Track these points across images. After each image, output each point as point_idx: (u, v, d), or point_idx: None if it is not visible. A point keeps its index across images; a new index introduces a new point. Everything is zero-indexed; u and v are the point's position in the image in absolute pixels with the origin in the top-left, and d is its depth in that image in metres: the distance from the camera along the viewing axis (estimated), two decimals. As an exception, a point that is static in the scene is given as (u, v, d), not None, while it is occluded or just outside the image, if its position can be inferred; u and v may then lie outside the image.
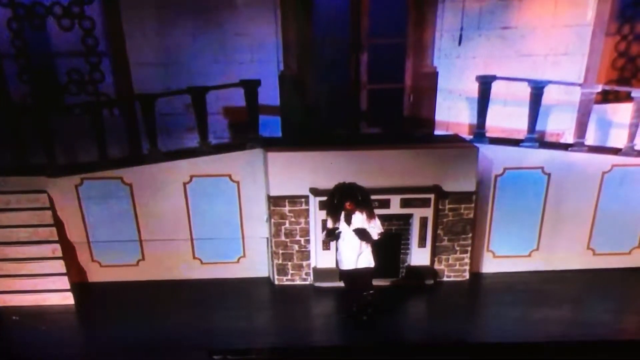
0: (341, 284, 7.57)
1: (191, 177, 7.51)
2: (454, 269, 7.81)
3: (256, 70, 7.51)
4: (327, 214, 6.67)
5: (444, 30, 7.56)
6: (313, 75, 7.92)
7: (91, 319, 7.23)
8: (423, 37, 7.69)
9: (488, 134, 7.63)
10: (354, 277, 6.66)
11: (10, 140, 7.73)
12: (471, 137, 7.71)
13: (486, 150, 7.44)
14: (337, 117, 8.14)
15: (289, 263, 7.75)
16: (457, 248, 7.71)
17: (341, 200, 6.39)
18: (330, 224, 6.58)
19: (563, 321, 7.00)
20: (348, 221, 6.44)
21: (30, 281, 7.34)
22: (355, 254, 6.50)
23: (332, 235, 6.54)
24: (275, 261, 7.74)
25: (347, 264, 6.59)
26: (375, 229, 6.47)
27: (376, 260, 6.63)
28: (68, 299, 7.36)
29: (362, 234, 6.42)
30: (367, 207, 6.49)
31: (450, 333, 6.68)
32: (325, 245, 7.49)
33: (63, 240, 7.56)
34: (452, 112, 7.97)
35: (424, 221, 7.42)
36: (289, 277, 7.81)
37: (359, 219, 6.43)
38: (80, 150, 7.75)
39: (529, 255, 8.01)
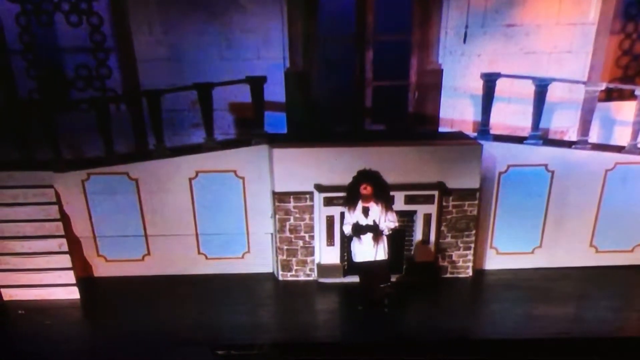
0: (345, 279, 7.66)
1: (197, 172, 7.54)
2: (457, 266, 7.85)
3: (262, 67, 7.55)
4: (345, 199, 6.73)
5: (449, 27, 7.59)
6: (318, 72, 7.95)
7: (96, 314, 7.27)
8: (428, 34, 7.72)
9: (492, 131, 7.65)
10: (370, 270, 6.73)
11: (18, 135, 7.75)
12: (475, 134, 7.73)
13: (490, 148, 7.46)
14: (342, 114, 8.17)
15: (294, 259, 7.78)
16: (461, 245, 7.74)
17: (359, 181, 6.44)
18: (347, 214, 6.64)
19: (566, 318, 7.02)
20: (365, 213, 6.52)
21: (36, 275, 7.38)
22: (370, 247, 6.58)
23: (360, 231, 6.55)
24: (280, 257, 7.77)
25: (363, 257, 6.67)
26: (390, 222, 6.55)
27: (389, 253, 6.72)
28: (74, 294, 7.40)
29: (374, 230, 6.50)
30: (385, 199, 6.58)
31: (453, 329, 6.70)
32: (330, 241, 7.54)
33: (69, 234, 7.59)
34: (457, 109, 8.01)
35: (427, 218, 7.45)
36: (293, 272, 7.85)
37: (376, 211, 6.50)
38: (87, 146, 7.79)
39: (532, 252, 8.03)
